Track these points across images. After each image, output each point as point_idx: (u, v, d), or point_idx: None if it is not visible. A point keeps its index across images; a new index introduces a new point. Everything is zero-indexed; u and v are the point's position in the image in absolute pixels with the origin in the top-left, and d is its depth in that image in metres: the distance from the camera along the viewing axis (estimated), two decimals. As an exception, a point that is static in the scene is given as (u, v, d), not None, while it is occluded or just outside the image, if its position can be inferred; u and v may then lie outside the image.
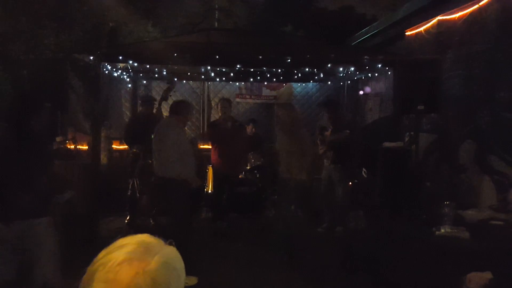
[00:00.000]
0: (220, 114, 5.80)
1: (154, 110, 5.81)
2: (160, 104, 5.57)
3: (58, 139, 5.00)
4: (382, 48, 7.21)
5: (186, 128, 8.10)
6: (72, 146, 5.35)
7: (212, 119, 8.10)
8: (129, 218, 5.64)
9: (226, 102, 5.78)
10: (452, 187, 4.67)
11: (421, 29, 5.96)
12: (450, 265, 2.71)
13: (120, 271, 0.80)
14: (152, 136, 4.68)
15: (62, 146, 5.08)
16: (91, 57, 5.11)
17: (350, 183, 5.55)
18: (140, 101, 6.32)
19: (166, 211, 4.93)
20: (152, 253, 0.85)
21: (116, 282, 0.79)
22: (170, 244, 0.92)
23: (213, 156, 5.79)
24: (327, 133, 5.57)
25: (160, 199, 4.87)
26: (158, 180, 4.59)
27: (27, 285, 2.62)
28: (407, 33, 6.37)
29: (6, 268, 2.59)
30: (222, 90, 8.35)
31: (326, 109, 5.69)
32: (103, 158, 6.10)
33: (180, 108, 4.69)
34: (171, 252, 0.90)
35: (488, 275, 2.19)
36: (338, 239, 5.11)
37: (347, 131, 5.26)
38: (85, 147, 5.72)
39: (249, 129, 6.83)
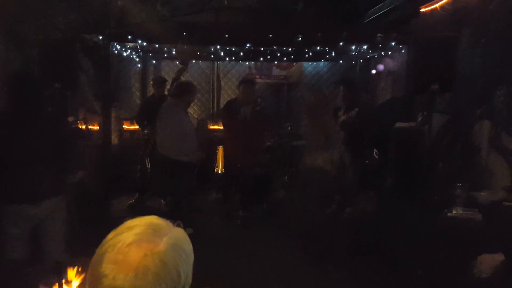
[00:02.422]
0: (240, 97, 5.29)
1: (166, 91, 5.82)
2: (172, 85, 5.57)
3: (69, 119, 5.05)
4: (396, 26, 7.03)
5: (191, 109, 8.11)
6: (84, 126, 5.40)
7: (222, 100, 8.05)
8: (137, 197, 5.73)
9: (249, 85, 5.28)
10: (466, 168, 4.61)
11: (437, 5, 5.78)
12: (461, 247, 2.70)
13: (129, 252, 0.81)
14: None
15: (74, 126, 5.13)
16: (100, 37, 5.10)
17: (363, 163, 5.52)
18: (152, 82, 6.33)
19: (170, 191, 4.98)
20: (161, 234, 0.86)
21: (125, 263, 0.80)
22: (178, 225, 0.93)
23: (226, 142, 5.48)
24: (340, 113, 5.52)
25: (165, 178, 4.89)
26: (162, 160, 4.65)
27: (38, 262, 2.69)
28: (422, 10, 6.19)
29: (22, 248, 2.65)
30: (232, 70, 8.30)
31: (341, 87, 5.61)
32: (114, 139, 6.16)
33: (183, 90, 4.69)
34: (179, 234, 0.91)
35: (500, 257, 2.18)
36: (347, 220, 5.13)
37: (356, 109, 5.20)
38: (96, 127, 5.78)
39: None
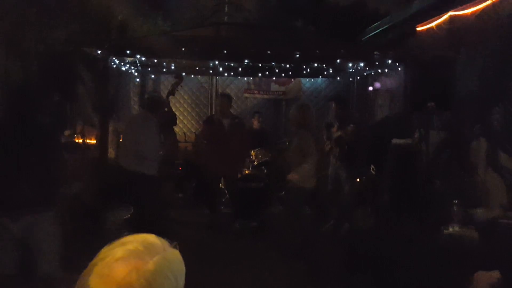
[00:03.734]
0: (217, 111, 5.58)
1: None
2: (167, 98, 5.59)
3: (66, 133, 5.04)
4: (393, 44, 7.14)
5: (189, 123, 8.11)
6: (81, 140, 5.39)
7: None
8: (133, 212, 5.67)
9: (225, 98, 5.50)
10: (462, 186, 4.62)
11: (433, 24, 5.87)
12: (457, 264, 2.68)
13: (115, 267, 0.80)
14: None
15: (71, 140, 5.12)
16: (99, 51, 5.14)
17: (358, 179, 5.51)
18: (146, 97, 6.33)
19: (133, 205, 4.90)
20: (152, 253, 0.84)
21: (109, 278, 0.79)
22: (174, 247, 0.91)
23: (205, 154, 5.58)
24: (334, 129, 5.54)
25: (123, 190, 4.73)
26: (121, 171, 4.54)
27: (29, 278, 2.63)
28: (418, 29, 6.28)
29: (9, 262, 2.58)
30: (231, 85, 8.35)
31: (332, 104, 5.65)
32: (111, 152, 6.14)
33: (152, 104, 4.68)
34: (173, 255, 0.89)
35: (496, 274, 2.16)
36: (344, 237, 5.09)
37: (352, 125, 5.22)
38: (93, 141, 5.77)
39: (255, 122, 6.81)
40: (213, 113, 8.06)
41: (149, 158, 4.43)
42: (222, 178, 5.75)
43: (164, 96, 5.69)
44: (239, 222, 5.34)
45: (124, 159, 4.58)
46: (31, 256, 2.65)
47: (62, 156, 2.89)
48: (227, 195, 5.79)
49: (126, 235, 0.89)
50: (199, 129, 8.01)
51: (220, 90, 8.25)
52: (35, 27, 4.48)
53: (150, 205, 4.46)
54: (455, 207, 3.27)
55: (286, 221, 5.04)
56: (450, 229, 3.14)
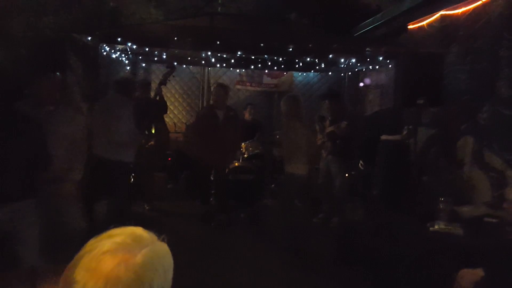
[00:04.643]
0: (212, 101, 5.38)
1: (152, 94, 5.77)
2: (159, 88, 5.51)
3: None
4: (385, 40, 7.14)
5: (180, 114, 8.02)
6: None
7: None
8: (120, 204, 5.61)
9: (221, 89, 5.32)
10: (449, 183, 4.66)
11: (424, 23, 5.87)
12: (443, 261, 2.70)
13: (102, 260, 0.79)
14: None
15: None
16: (90, 38, 5.04)
17: (347, 174, 5.54)
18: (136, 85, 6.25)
19: (106, 194, 4.54)
20: (140, 246, 0.83)
21: (97, 271, 0.77)
22: (162, 240, 0.90)
23: (197, 146, 5.40)
24: (326, 123, 5.54)
25: (98, 180, 4.31)
26: (97, 161, 4.13)
27: (12, 268, 2.56)
28: (409, 26, 6.29)
29: None
30: (223, 76, 8.28)
31: (327, 99, 5.64)
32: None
33: (124, 86, 4.33)
34: (161, 248, 0.88)
35: (480, 272, 2.18)
36: (334, 230, 5.13)
37: (345, 122, 5.22)
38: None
39: (247, 114, 6.77)
40: (206, 104, 8.01)
41: (124, 144, 4.10)
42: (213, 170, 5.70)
43: (156, 85, 5.63)
44: (221, 217, 5.28)
45: (98, 147, 4.13)
46: (13, 246, 2.57)
47: (43, 144, 2.77)
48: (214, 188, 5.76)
49: (113, 227, 0.88)
50: (190, 120, 7.96)
51: (212, 81, 8.19)
52: (24, 13, 4.36)
53: (122, 194, 4.24)
54: (441, 205, 3.28)
55: (277, 214, 5.04)
56: (436, 226, 3.16)
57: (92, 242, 0.84)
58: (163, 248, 0.89)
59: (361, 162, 5.95)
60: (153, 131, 5.41)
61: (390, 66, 6.42)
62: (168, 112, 7.09)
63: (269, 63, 7.37)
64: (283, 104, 4.51)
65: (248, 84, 8.36)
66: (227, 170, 5.72)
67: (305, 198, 5.67)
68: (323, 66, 7.52)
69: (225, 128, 5.16)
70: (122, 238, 0.84)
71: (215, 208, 5.42)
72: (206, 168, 5.45)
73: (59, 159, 3.02)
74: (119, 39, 5.25)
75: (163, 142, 5.92)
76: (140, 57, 7.28)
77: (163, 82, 5.45)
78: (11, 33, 4.39)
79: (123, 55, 6.86)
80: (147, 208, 5.68)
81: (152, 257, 0.83)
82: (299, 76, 8.46)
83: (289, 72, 8.32)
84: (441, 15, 5.43)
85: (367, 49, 5.54)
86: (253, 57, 7.04)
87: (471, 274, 2.22)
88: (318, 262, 4.23)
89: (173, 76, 6.14)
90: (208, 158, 5.14)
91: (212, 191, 5.53)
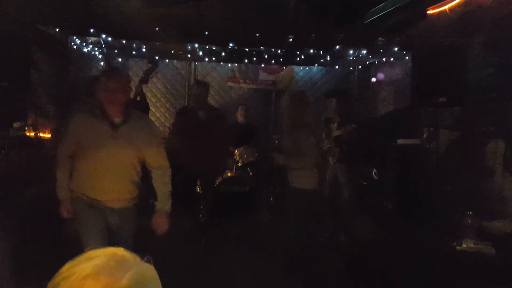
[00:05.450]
0: (192, 101, 5.42)
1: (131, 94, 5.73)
2: (140, 87, 5.48)
3: (15, 125, 4.90)
4: (400, 29, 7.15)
5: (162, 116, 7.96)
6: (32, 134, 5.26)
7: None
8: None
9: (201, 86, 5.37)
10: (476, 194, 4.65)
11: (446, 7, 5.89)
12: (472, 286, 2.68)
13: (83, 286, 0.79)
14: None
15: (21, 133, 4.99)
16: (57, 29, 5.01)
17: (358, 185, 5.53)
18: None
19: None
20: (125, 269, 0.83)
21: None
22: (147, 261, 0.91)
23: (177, 152, 5.43)
24: (333, 126, 5.53)
25: None
26: None
27: None
28: (429, 12, 6.30)
29: None
30: (212, 72, 8.28)
31: (333, 99, 5.64)
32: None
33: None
34: (147, 270, 0.89)
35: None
36: (342, 249, 5.10)
37: (354, 125, 5.22)
38: (48, 135, 5.63)
39: (240, 116, 6.75)
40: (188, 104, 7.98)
41: None
42: (198, 181, 5.66)
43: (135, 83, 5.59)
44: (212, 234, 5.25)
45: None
46: None
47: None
48: (204, 201, 5.70)
49: (89, 249, 0.88)
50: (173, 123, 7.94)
51: (200, 78, 8.17)
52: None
53: None
54: (469, 219, 3.27)
55: (276, 232, 5.00)
56: (464, 245, 3.14)
57: (68, 267, 0.84)
58: (149, 269, 0.90)
59: (374, 170, 5.93)
60: None
61: (406, 58, 6.43)
62: (149, 115, 7.07)
63: (266, 56, 7.36)
64: (286, 104, 4.48)
65: (241, 80, 8.35)
66: (218, 181, 5.69)
67: (311, 214, 5.65)
68: (328, 59, 7.52)
69: (209, 132, 5.12)
70: (103, 260, 0.84)
71: (205, 225, 5.37)
72: (190, 179, 5.40)
73: None
74: (91, 31, 5.24)
75: None
76: (115, 51, 7.26)
77: (144, 80, 5.41)
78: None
79: (96, 49, 6.83)
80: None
81: (138, 281, 0.84)
82: (300, 71, 8.46)
83: (289, 67, 8.32)
84: (465, -2, 5.45)
85: (380, 38, 5.55)
86: (247, 50, 7.03)
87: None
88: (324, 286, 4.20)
89: (156, 73, 6.11)
90: (191, 167, 5.10)
91: (201, 206, 5.49)
